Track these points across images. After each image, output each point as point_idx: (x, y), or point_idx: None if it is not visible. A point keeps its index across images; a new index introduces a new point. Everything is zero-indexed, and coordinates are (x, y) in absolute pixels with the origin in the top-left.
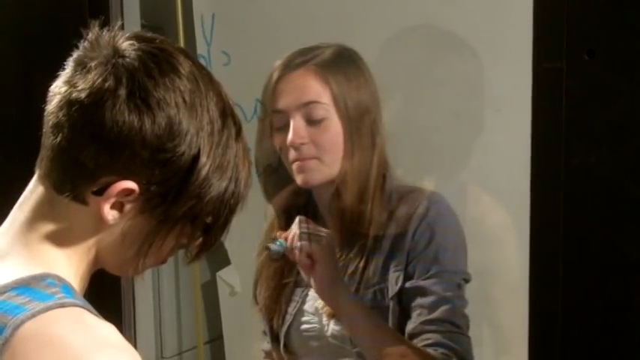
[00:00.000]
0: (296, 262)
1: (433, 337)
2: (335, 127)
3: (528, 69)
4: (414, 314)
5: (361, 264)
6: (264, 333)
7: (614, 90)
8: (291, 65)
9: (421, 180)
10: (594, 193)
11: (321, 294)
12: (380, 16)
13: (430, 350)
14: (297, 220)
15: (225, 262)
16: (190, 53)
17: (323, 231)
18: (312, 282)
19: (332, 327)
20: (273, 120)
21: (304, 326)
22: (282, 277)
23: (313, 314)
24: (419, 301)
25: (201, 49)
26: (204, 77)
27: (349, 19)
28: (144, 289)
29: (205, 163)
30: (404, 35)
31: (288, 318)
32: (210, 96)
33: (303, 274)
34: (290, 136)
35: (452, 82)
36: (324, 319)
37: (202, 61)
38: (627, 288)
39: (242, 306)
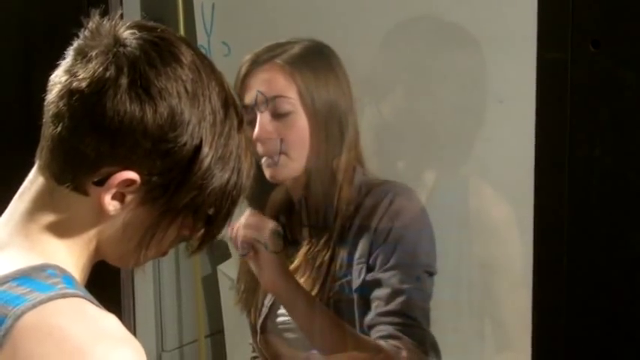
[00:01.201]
0: (239, 252)
1: (386, 329)
2: (301, 122)
3: (532, 60)
4: (373, 306)
5: (327, 256)
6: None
7: (619, 81)
8: (258, 61)
9: (423, 173)
10: (599, 186)
11: (265, 283)
12: (381, 8)
13: (382, 342)
14: (246, 212)
15: (226, 255)
16: (192, 43)
17: (268, 221)
18: (256, 271)
19: None
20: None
21: (279, 319)
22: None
23: None
24: (376, 293)
25: (201, 39)
26: (206, 67)
27: (350, 11)
28: (144, 283)
29: (207, 154)
30: (405, 27)
31: (264, 310)
32: (212, 86)
33: (251, 265)
34: (256, 130)
35: (454, 74)
36: None
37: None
38: (632, 281)
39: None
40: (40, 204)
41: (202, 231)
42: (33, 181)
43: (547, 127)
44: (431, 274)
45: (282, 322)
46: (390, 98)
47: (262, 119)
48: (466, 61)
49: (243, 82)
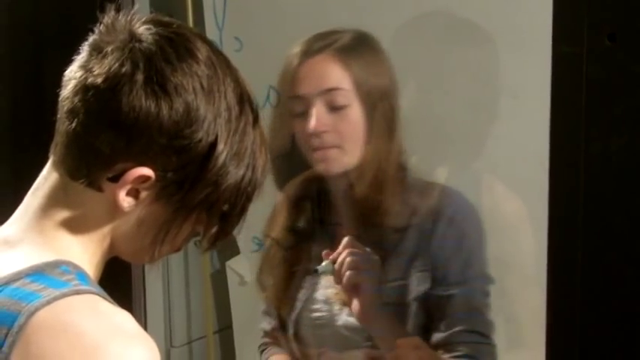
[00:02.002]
0: (341, 285)
1: (462, 350)
2: (356, 115)
3: (547, 54)
4: (442, 323)
5: (380, 255)
6: (265, 313)
7: (635, 76)
8: (310, 50)
9: (435, 169)
10: (615, 182)
11: (362, 319)
12: (394, 3)
13: None
14: (345, 241)
15: (235, 251)
16: (207, 38)
17: (372, 257)
18: (353, 304)
19: (345, 318)
20: (293, 106)
21: (314, 314)
22: (291, 265)
23: (324, 302)
24: (447, 309)
25: (212, 34)
26: (221, 63)
27: (363, 6)
28: (154, 279)
29: (222, 151)
30: (418, 21)
31: (298, 305)
32: (227, 82)
33: (343, 294)
34: (312, 123)
35: (467, 69)
36: (336, 309)
37: None
38: None
39: (251, 295)
40: (54, 200)
41: (216, 227)
42: (47, 177)
43: (562, 122)
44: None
45: (317, 318)
46: (403, 94)
47: (317, 112)
48: (480, 56)
49: (296, 73)
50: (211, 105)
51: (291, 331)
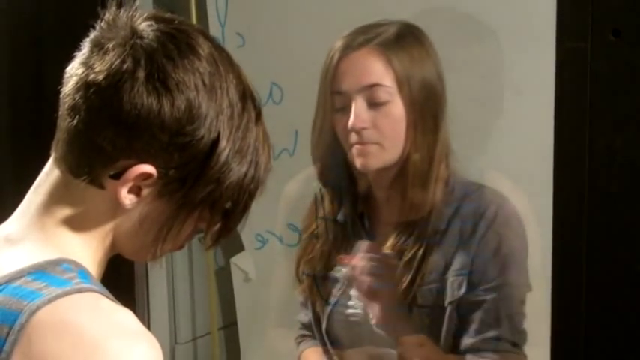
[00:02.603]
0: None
1: (490, 357)
2: (398, 111)
3: (551, 50)
4: (472, 328)
5: (419, 253)
6: (303, 305)
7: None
8: (353, 45)
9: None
10: (619, 177)
11: (380, 322)
12: None
13: None
14: (361, 245)
15: (239, 247)
16: (209, 34)
17: (389, 262)
18: (370, 309)
19: None
20: (334, 101)
21: (349, 310)
22: (329, 259)
23: (358, 299)
24: (480, 314)
25: (214, 30)
26: (223, 59)
27: (367, 2)
28: (158, 275)
29: (225, 148)
30: (421, 18)
31: (332, 299)
32: (229, 78)
33: (361, 297)
34: (352, 119)
35: (471, 65)
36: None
37: None
38: None
39: (256, 292)
40: (55, 197)
41: (219, 225)
42: (49, 174)
43: (566, 117)
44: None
45: (351, 314)
46: None
47: (358, 107)
48: (484, 52)
49: (337, 67)
50: (213, 102)
51: (324, 324)
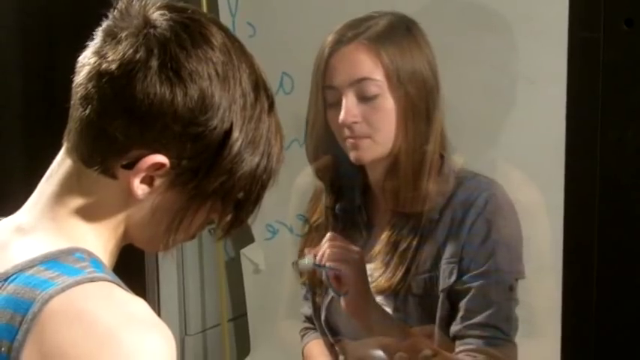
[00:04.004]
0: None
1: (475, 343)
2: (388, 105)
3: (564, 39)
4: (460, 315)
5: (413, 244)
6: (305, 298)
7: None
8: (343, 40)
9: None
10: (631, 169)
11: (352, 313)
12: None
13: (469, 357)
14: (327, 236)
15: (250, 239)
16: (222, 24)
17: (353, 249)
18: (341, 300)
19: None
20: (326, 96)
21: None
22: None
23: None
24: (466, 301)
25: (225, 20)
26: (236, 49)
27: None
28: (168, 267)
29: (238, 138)
30: (433, 8)
31: (331, 291)
32: (242, 68)
33: (331, 289)
34: (342, 114)
35: (483, 55)
36: None
37: None
38: None
39: (266, 283)
40: (67, 187)
41: (231, 215)
42: (61, 164)
43: (578, 108)
44: (521, 278)
45: None
46: None
47: (348, 102)
48: (496, 41)
49: (328, 62)
50: (226, 92)
51: (323, 315)
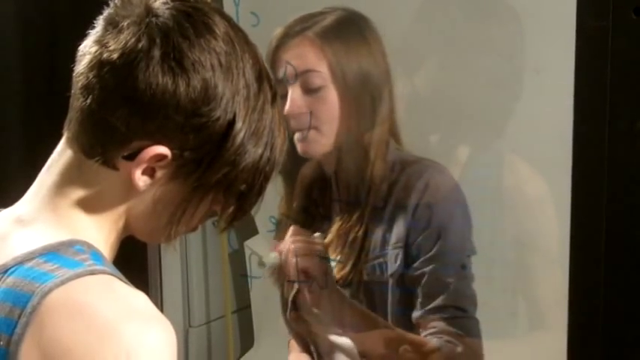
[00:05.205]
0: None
1: (438, 326)
2: (332, 96)
3: (572, 28)
4: (418, 301)
5: (360, 232)
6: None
7: None
8: (290, 33)
9: (457, 147)
10: None
11: (318, 305)
12: None
13: (434, 339)
14: (290, 231)
15: (254, 230)
16: (226, 13)
17: (316, 242)
18: (306, 292)
19: None
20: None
21: None
22: None
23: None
24: (422, 287)
25: (229, 9)
26: (239, 39)
27: None
28: (171, 258)
29: (241, 129)
30: None
31: (296, 285)
32: (246, 58)
33: (298, 282)
34: (287, 105)
35: (489, 44)
36: None
37: None
38: None
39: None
40: (68, 178)
41: (234, 207)
42: (61, 154)
43: (586, 98)
44: (471, 255)
45: None
46: (423, 70)
47: (293, 94)
48: (502, 30)
49: (274, 55)
50: (229, 82)
51: (289, 311)
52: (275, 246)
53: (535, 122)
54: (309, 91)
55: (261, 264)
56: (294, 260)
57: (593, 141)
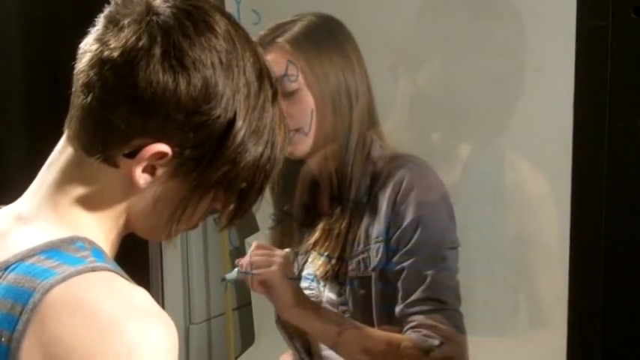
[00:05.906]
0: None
1: (416, 319)
2: (307, 99)
3: (572, 27)
4: (399, 296)
5: (343, 227)
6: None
7: None
8: (262, 43)
9: (458, 145)
10: None
11: (282, 314)
12: None
13: (413, 334)
14: (252, 246)
15: (254, 228)
16: (226, 11)
17: (277, 255)
18: (272, 301)
19: (326, 294)
20: None
21: (306, 292)
22: (281, 247)
23: (312, 280)
24: (401, 282)
25: (230, 7)
26: (240, 37)
27: None
28: (172, 256)
29: (241, 127)
30: None
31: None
32: (246, 57)
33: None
34: None
35: (490, 43)
36: (321, 285)
37: None
38: None
39: None
40: (68, 175)
41: (234, 205)
42: (62, 152)
43: (586, 97)
44: (454, 248)
45: (309, 296)
46: (424, 69)
47: None
48: (503, 29)
49: None
50: (230, 80)
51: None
52: (238, 261)
53: (535, 121)
54: (285, 95)
55: (223, 279)
56: (252, 272)
57: (593, 139)
